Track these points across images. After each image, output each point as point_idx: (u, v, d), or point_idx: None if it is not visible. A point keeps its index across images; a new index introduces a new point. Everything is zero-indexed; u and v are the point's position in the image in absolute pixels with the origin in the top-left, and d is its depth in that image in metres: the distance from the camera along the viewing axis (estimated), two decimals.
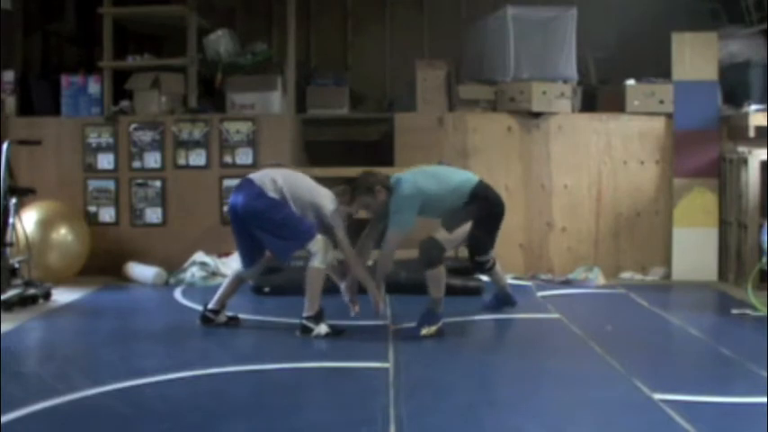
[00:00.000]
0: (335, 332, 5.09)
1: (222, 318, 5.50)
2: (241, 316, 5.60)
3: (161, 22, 8.06)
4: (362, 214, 5.58)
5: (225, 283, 5.56)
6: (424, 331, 5.12)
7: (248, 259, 5.42)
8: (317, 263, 5.08)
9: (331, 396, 4.07)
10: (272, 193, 5.14)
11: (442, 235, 5.17)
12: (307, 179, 5.42)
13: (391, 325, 5.39)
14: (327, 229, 5.23)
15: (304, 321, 5.09)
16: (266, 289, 6.38)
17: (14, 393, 3.95)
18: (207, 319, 5.47)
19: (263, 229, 5.17)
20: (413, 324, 5.23)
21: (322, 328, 5.07)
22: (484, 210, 5.33)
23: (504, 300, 5.94)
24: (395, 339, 5.06)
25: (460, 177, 5.42)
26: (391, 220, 5.21)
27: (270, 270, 5.80)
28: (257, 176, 5.28)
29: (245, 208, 5.16)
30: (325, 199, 5.23)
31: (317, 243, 5.10)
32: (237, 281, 5.51)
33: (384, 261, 5.30)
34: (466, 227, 5.24)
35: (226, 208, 7.30)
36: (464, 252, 7.06)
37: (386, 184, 5.25)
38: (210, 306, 5.48)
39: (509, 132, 7.48)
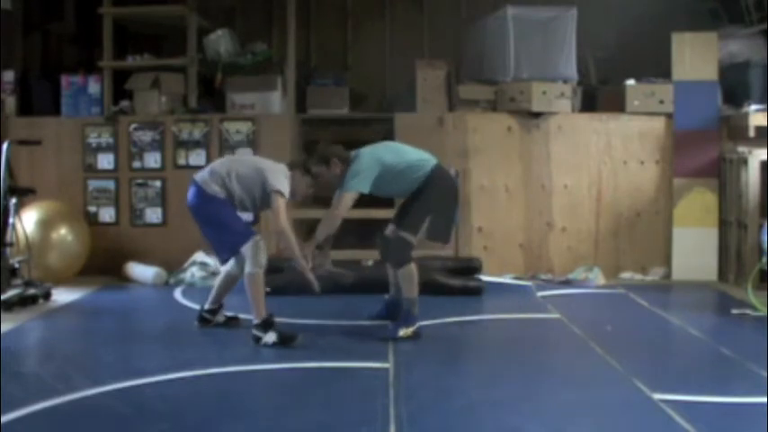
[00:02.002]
0: (284, 339, 4.93)
1: (221, 318, 5.50)
2: (241, 316, 5.60)
3: (161, 22, 8.07)
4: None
5: (217, 281, 5.54)
6: (402, 333, 5.07)
7: (217, 256, 5.42)
8: (249, 268, 5.01)
9: (331, 396, 4.07)
10: (214, 188, 5.09)
11: (408, 235, 5.14)
12: (255, 158, 5.40)
13: (391, 324, 5.37)
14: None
15: (253, 330, 5.00)
16: (267, 289, 6.35)
17: (14, 393, 3.95)
18: (204, 320, 5.47)
19: (204, 229, 5.26)
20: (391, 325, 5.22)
21: (270, 337, 4.93)
22: (439, 195, 5.24)
23: (394, 310, 5.41)
24: (395, 339, 5.05)
25: (419, 155, 5.34)
26: (346, 183, 5.14)
27: (270, 270, 5.79)
28: (198, 175, 5.27)
29: (189, 209, 5.25)
30: (272, 174, 5.10)
31: (248, 248, 5.02)
32: (229, 278, 5.47)
33: (328, 223, 5.20)
34: (427, 221, 5.17)
35: None
36: (464, 252, 7.10)
37: (342, 156, 5.22)
38: (207, 306, 5.48)
39: (509, 132, 7.48)
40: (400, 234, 5.19)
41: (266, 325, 4.98)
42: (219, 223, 5.14)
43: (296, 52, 7.88)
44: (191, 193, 5.23)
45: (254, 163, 5.29)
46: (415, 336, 5.11)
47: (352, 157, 5.23)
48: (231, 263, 5.38)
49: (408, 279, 5.16)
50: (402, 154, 5.32)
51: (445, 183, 5.36)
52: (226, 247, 5.21)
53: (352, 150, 5.33)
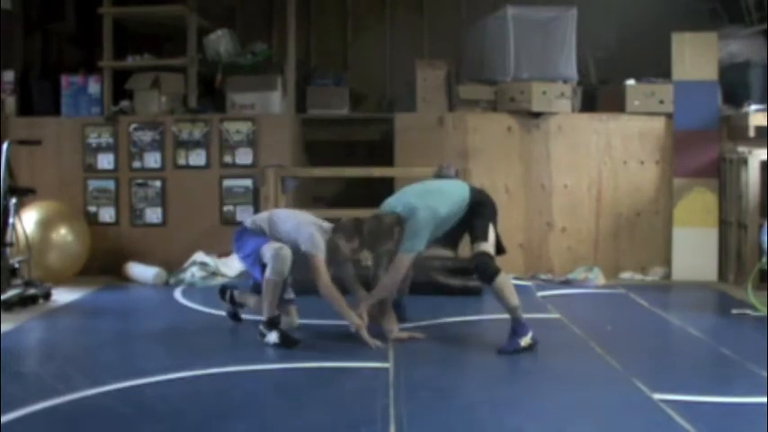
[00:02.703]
0: (286, 342, 4.91)
1: (231, 309, 5.55)
2: (244, 316, 5.60)
3: (161, 22, 8.06)
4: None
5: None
6: (523, 343, 4.81)
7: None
8: (268, 273, 4.97)
9: (331, 396, 4.07)
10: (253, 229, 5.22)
11: (484, 246, 4.94)
12: (296, 215, 5.32)
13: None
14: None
15: (260, 326, 5.02)
16: None
17: (14, 393, 3.95)
18: (235, 316, 5.57)
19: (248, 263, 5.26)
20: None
21: (272, 336, 4.94)
22: (488, 210, 5.16)
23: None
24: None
25: (457, 192, 5.16)
26: (404, 245, 4.88)
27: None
28: (248, 220, 5.36)
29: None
30: (304, 238, 5.01)
31: (268, 250, 5.00)
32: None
33: (388, 285, 4.98)
34: (491, 229, 5.03)
35: (226, 208, 7.39)
36: (464, 252, 7.09)
37: (401, 222, 4.91)
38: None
39: (509, 132, 7.48)
40: (478, 247, 4.93)
41: (271, 324, 4.99)
42: (249, 244, 5.18)
43: (296, 52, 7.88)
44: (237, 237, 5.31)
45: (295, 222, 5.18)
46: (534, 343, 4.84)
47: (406, 213, 4.91)
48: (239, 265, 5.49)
49: (505, 290, 4.88)
50: (447, 197, 5.06)
51: (487, 199, 5.24)
52: (251, 260, 5.18)
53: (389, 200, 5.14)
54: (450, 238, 5.19)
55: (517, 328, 4.89)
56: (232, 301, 5.55)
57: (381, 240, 4.94)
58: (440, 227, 5.01)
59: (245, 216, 5.51)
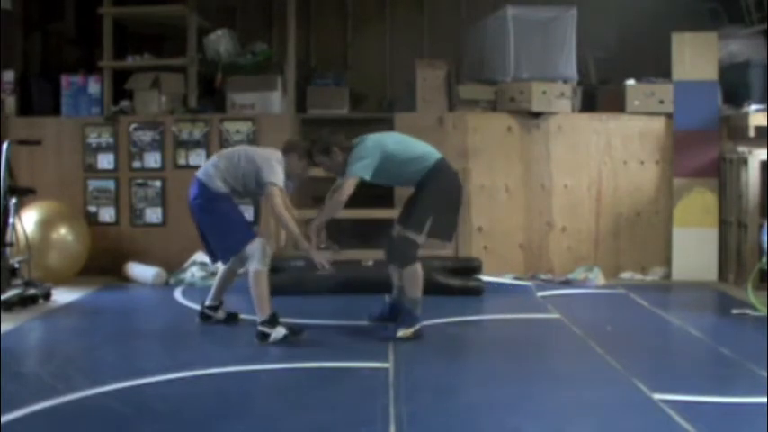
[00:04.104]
0: (294, 332, 4.97)
1: (221, 314, 5.53)
2: (241, 316, 5.60)
3: (161, 22, 8.07)
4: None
5: (217, 277, 5.61)
6: (401, 333, 5.06)
7: (211, 253, 5.42)
8: (255, 265, 5.01)
9: (331, 396, 4.07)
10: (217, 183, 5.12)
11: (413, 234, 5.11)
12: (249, 149, 5.40)
13: (392, 325, 5.37)
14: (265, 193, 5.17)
15: (259, 328, 4.99)
16: None
17: (14, 393, 3.95)
18: (206, 317, 5.51)
19: (204, 230, 5.27)
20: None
21: (279, 331, 4.94)
22: (441, 191, 5.20)
23: (395, 311, 5.36)
24: (395, 339, 5.05)
25: (424, 149, 5.31)
26: (349, 168, 5.10)
27: (270, 270, 5.79)
28: (201, 170, 5.28)
29: (190, 208, 5.27)
30: (265, 165, 5.12)
31: (254, 245, 5.04)
32: (229, 274, 5.52)
33: (333, 207, 5.21)
34: (430, 219, 5.12)
35: None
36: (464, 252, 7.10)
37: (343, 144, 5.19)
38: (207, 303, 5.53)
39: (509, 132, 7.48)
40: (405, 233, 5.16)
41: (273, 321, 4.98)
42: (224, 222, 5.15)
43: (296, 52, 7.88)
44: (193, 190, 5.24)
45: (249, 155, 5.24)
46: (416, 336, 5.10)
47: (356, 143, 5.20)
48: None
49: (412, 279, 5.13)
50: (407, 145, 5.29)
51: (448, 179, 5.30)
52: (228, 248, 5.21)
53: (356, 138, 5.30)
54: (405, 207, 5.33)
55: (406, 318, 5.10)
56: (212, 309, 5.52)
57: (319, 153, 5.20)
58: (389, 170, 5.16)
59: (204, 165, 5.37)
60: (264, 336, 4.96)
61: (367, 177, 5.10)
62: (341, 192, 5.11)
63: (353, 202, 5.23)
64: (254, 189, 5.22)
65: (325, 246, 5.29)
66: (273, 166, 5.12)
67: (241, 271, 5.63)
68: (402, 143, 5.30)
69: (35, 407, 3.77)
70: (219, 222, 5.17)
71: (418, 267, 5.14)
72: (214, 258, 5.48)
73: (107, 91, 7.56)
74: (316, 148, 5.24)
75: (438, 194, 5.20)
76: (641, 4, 8.31)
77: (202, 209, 5.21)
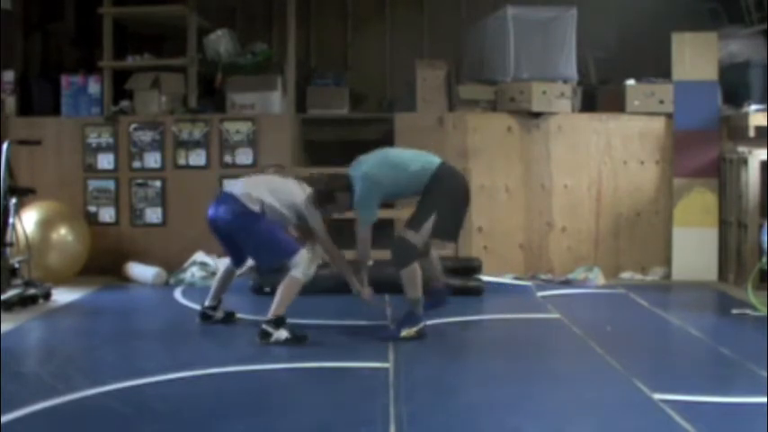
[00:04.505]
0: (296, 339, 4.95)
1: (219, 314, 5.54)
2: (241, 316, 5.61)
3: (161, 22, 8.06)
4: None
5: (217, 277, 5.63)
6: (404, 333, 5.07)
7: (237, 259, 5.49)
8: (297, 273, 5.03)
9: (331, 396, 4.07)
10: (252, 206, 5.15)
11: (410, 235, 5.11)
12: (280, 181, 5.46)
13: (392, 325, 5.38)
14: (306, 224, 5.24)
15: (264, 326, 4.98)
16: (266, 289, 6.37)
17: (14, 393, 3.95)
18: (206, 316, 5.52)
19: (245, 244, 5.26)
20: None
21: (282, 334, 4.93)
22: (444, 192, 5.19)
23: (433, 297, 5.45)
24: (397, 339, 5.04)
25: (422, 162, 5.25)
26: (357, 217, 5.22)
27: (270, 270, 5.80)
28: (237, 191, 5.28)
29: (227, 224, 5.22)
30: (297, 192, 5.25)
31: (301, 256, 5.06)
32: (229, 275, 5.54)
33: (363, 249, 5.27)
34: (432, 219, 5.11)
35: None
36: (464, 252, 7.10)
37: (343, 187, 5.19)
38: (207, 303, 5.54)
39: (509, 132, 7.48)
40: (402, 234, 5.18)
41: (279, 322, 4.97)
42: (265, 238, 5.15)
43: (296, 52, 7.87)
44: (226, 210, 5.20)
45: (291, 198, 5.27)
46: (419, 336, 5.10)
47: (355, 180, 5.17)
48: (229, 259, 5.49)
49: (411, 279, 5.12)
50: (404, 165, 5.23)
51: (451, 181, 5.28)
52: (272, 260, 5.22)
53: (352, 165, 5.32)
54: (416, 216, 5.25)
55: (408, 318, 5.12)
56: (212, 309, 5.53)
57: (325, 201, 5.21)
58: (393, 191, 5.24)
59: (236, 185, 5.39)
60: (266, 334, 4.95)
61: (375, 219, 5.18)
62: (361, 238, 5.21)
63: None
64: (285, 220, 5.28)
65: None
66: (312, 209, 5.20)
67: (239, 272, 5.65)
68: (398, 165, 5.24)
69: (35, 407, 3.77)
70: (265, 235, 5.15)
71: (416, 267, 5.14)
72: (238, 263, 5.52)
73: (107, 91, 7.56)
74: (321, 198, 5.22)
75: (441, 196, 5.18)
76: (641, 4, 8.30)
77: (241, 224, 5.18)
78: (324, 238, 5.22)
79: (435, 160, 5.30)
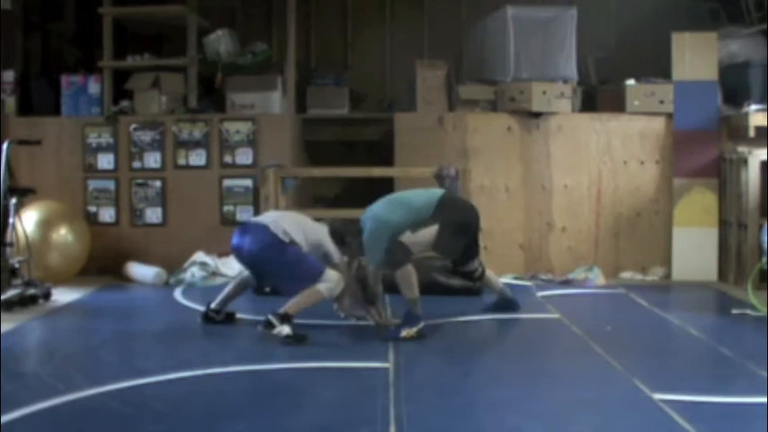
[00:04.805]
0: (296, 337, 4.96)
1: (221, 316, 5.53)
2: (241, 316, 5.61)
3: (161, 22, 8.06)
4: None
5: (230, 285, 5.64)
6: (404, 333, 5.09)
7: (259, 282, 5.65)
8: (322, 287, 5.11)
9: (331, 396, 4.07)
10: (285, 237, 5.21)
11: (406, 237, 5.21)
12: (306, 219, 5.58)
13: (393, 327, 5.37)
14: (330, 262, 5.34)
15: (270, 316, 4.99)
16: (267, 289, 6.37)
17: (14, 393, 3.95)
18: (208, 318, 5.52)
19: (274, 275, 5.36)
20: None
21: (284, 329, 4.94)
22: (449, 215, 5.34)
23: (504, 305, 5.90)
24: (398, 340, 5.04)
25: (421, 200, 5.43)
26: (367, 257, 5.37)
27: None
28: (268, 221, 5.34)
29: (256, 255, 5.26)
30: (322, 232, 5.40)
31: (332, 276, 5.16)
32: (243, 285, 5.57)
33: (374, 293, 5.44)
34: (432, 229, 5.23)
35: (226, 208, 7.38)
36: None
37: (355, 233, 5.38)
38: (214, 306, 5.54)
39: (509, 132, 7.48)
40: (398, 238, 5.23)
41: (285, 318, 4.99)
42: (294, 265, 5.20)
43: (296, 52, 7.88)
44: (259, 239, 5.23)
45: (317, 233, 5.38)
46: (419, 335, 5.12)
47: (362, 223, 5.37)
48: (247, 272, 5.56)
49: (406, 280, 5.18)
50: (408, 202, 5.43)
51: (456, 207, 5.53)
52: (302, 285, 5.20)
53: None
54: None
55: (408, 319, 5.17)
56: (217, 312, 5.55)
57: (344, 247, 5.42)
58: (401, 230, 5.30)
59: (265, 217, 5.55)
60: (270, 325, 4.97)
61: (382, 260, 5.28)
62: (373, 282, 5.38)
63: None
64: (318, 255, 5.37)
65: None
66: (334, 246, 5.35)
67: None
68: (403, 202, 5.45)
69: (35, 407, 3.77)
70: (296, 263, 5.20)
71: (409, 268, 5.19)
72: (259, 288, 5.81)
73: (107, 91, 7.56)
74: (337, 242, 5.39)
75: (445, 215, 5.33)
76: (641, 4, 8.31)
77: (275, 255, 5.22)
78: (346, 274, 5.34)
79: (437, 192, 5.57)
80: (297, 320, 5.21)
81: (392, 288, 5.49)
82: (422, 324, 5.16)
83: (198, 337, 5.36)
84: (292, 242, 5.21)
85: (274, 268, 5.26)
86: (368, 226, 5.33)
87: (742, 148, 7.06)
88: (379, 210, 5.42)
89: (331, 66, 8.85)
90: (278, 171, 7.13)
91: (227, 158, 7.46)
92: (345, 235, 5.41)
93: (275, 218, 5.44)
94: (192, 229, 7.39)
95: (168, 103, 7.62)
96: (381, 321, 5.43)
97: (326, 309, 5.61)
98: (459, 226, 5.43)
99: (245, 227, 5.45)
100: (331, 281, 5.15)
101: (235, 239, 5.35)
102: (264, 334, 4.97)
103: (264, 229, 5.24)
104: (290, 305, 5.04)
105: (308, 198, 8.12)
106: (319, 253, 5.33)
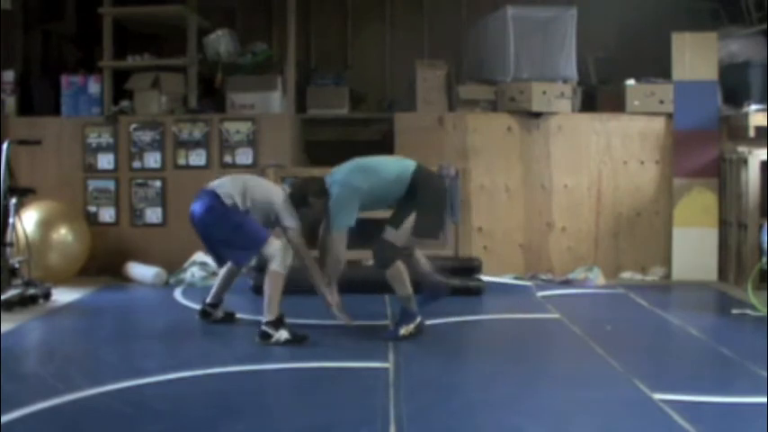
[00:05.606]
0: (296, 339, 4.95)
1: (219, 313, 5.55)
2: (241, 316, 5.61)
3: (161, 22, 8.06)
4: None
5: (219, 277, 5.63)
6: (403, 331, 5.09)
7: (218, 259, 5.48)
8: (275, 266, 5.01)
9: (331, 396, 4.07)
10: (227, 200, 5.14)
11: (390, 234, 5.13)
12: (260, 180, 5.50)
13: (392, 325, 5.38)
14: (282, 225, 5.22)
15: (263, 327, 4.97)
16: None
17: (14, 393, 3.95)
18: (205, 314, 5.53)
19: (217, 239, 5.23)
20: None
21: (282, 334, 4.93)
22: (425, 195, 5.20)
23: (432, 290, 5.47)
24: (397, 339, 5.05)
25: (397, 169, 5.25)
26: (332, 224, 5.14)
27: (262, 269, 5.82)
28: (215, 185, 5.28)
29: (200, 219, 5.21)
30: (276, 194, 5.27)
31: (272, 246, 5.05)
32: (231, 274, 5.55)
33: (334, 264, 5.21)
34: (411, 218, 5.13)
35: None
36: (464, 252, 7.09)
37: (317, 192, 5.20)
38: (209, 300, 5.57)
39: (509, 132, 7.48)
40: (383, 236, 5.16)
41: (278, 323, 4.97)
42: (235, 231, 5.13)
43: (296, 52, 7.88)
44: (204, 203, 5.18)
45: (268, 196, 5.27)
46: (418, 331, 5.12)
47: (331, 188, 5.17)
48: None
49: (397, 279, 5.14)
50: (378, 173, 5.23)
51: (428, 182, 5.30)
52: (245, 252, 5.20)
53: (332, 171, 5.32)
54: (396, 215, 5.26)
55: (403, 317, 5.14)
56: (213, 307, 5.56)
57: (300, 205, 5.23)
58: (372, 201, 5.18)
59: (217, 181, 5.39)
60: (266, 336, 4.96)
61: (352, 224, 5.12)
62: (335, 251, 5.14)
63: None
64: (268, 221, 5.26)
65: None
66: (290, 209, 5.20)
67: (243, 271, 5.66)
68: (371, 170, 5.24)
69: (35, 407, 3.77)
70: (234, 226, 5.13)
71: (399, 266, 5.14)
72: (221, 263, 5.51)
73: (107, 91, 7.56)
74: (296, 203, 5.24)
75: (420, 197, 5.20)
76: (641, 4, 8.31)
77: (214, 218, 5.16)
78: (297, 240, 5.18)
79: (410, 165, 5.28)
80: (296, 321, 5.23)
81: (387, 288, 5.46)
82: (419, 319, 5.16)
83: (198, 336, 5.36)
84: (235, 205, 5.12)
85: (216, 234, 5.19)
86: (335, 191, 5.14)
87: (742, 148, 7.07)
88: (346, 176, 5.19)
89: (331, 66, 8.85)
90: (278, 171, 7.13)
91: (228, 158, 7.46)
92: (308, 194, 5.21)
93: (224, 181, 5.34)
94: (192, 230, 7.35)
95: (168, 103, 7.62)
96: (332, 302, 5.25)
97: (327, 309, 5.61)
98: (436, 200, 5.32)
99: (199, 193, 5.34)
100: (277, 253, 5.02)
101: (191, 206, 5.29)
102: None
103: (211, 192, 5.19)
104: (268, 307, 5.00)
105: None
106: (271, 216, 5.20)
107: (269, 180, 5.65)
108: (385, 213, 5.48)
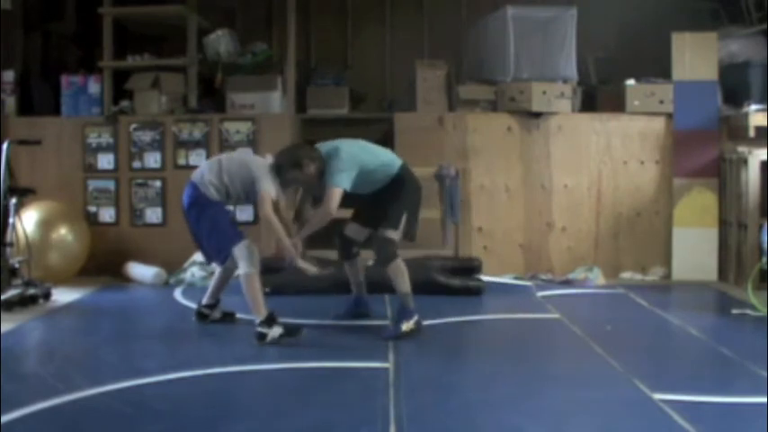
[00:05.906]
0: (290, 332, 4.98)
1: (217, 314, 5.54)
2: (241, 316, 5.60)
3: (161, 22, 8.06)
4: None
5: (214, 277, 5.63)
6: (404, 328, 5.10)
7: (206, 255, 5.50)
8: (244, 268, 5.05)
9: (331, 396, 4.06)
10: (210, 190, 5.15)
11: (391, 233, 5.17)
12: (239, 152, 5.51)
13: (391, 324, 5.37)
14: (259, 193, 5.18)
15: (257, 329, 4.99)
16: (266, 289, 6.35)
17: (14, 393, 3.95)
18: (202, 316, 5.53)
19: (198, 234, 5.29)
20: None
21: (275, 331, 4.94)
22: (410, 194, 5.29)
23: (361, 306, 5.65)
24: (396, 338, 5.05)
25: (388, 156, 5.39)
26: (331, 179, 5.08)
27: (269, 270, 5.80)
28: (196, 174, 5.30)
29: (186, 214, 5.29)
30: (254, 161, 5.29)
31: (240, 249, 5.07)
32: (226, 273, 5.54)
33: (319, 219, 5.18)
34: (404, 218, 5.20)
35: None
36: (464, 252, 7.09)
37: (312, 156, 5.16)
38: (205, 301, 5.56)
39: (509, 132, 7.48)
40: (383, 233, 5.19)
41: (270, 321, 4.98)
42: (212, 226, 5.18)
43: (296, 52, 7.88)
44: (188, 193, 5.27)
45: (244, 162, 5.32)
46: (417, 328, 5.13)
47: (329, 153, 5.17)
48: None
49: (398, 274, 5.18)
50: (374, 154, 5.33)
51: (413, 182, 5.38)
52: (220, 251, 5.23)
53: (318, 144, 5.32)
54: (369, 207, 5.34)
55: (402, 313, 5.15)
56: (209, 308, 5.56)
57: (290, 168, 5.16)
58: (362, 180, 5.18)
59: (199, 169, 5.39)
60: (262, 336, 4.97)
61: (348, 188, 5.13)
62: (328, 203, 5.09)
63: (352, 202, 5.23)
64: (247, 195, 5.26)
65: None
66: (267, 174, 5.18)
67: (238, 272, 5.65)
68: (370, 152, 5.32)
69: (35, 407, 3.77)
70: (209, 226, 5.20)
71: (400, 262, 5.19)
72: (209, 259, 5.56)
73: (107, 91, 7.56)
74: (287, 165, 5.20)
75: (408, 196, 5.28)
76: (641, 4, 8.30)
77: (195, 213, 5.23)
78: (267, 208, 5.08)
79: (398, 160, 5.38)
80: (296, 321, 5.23)
81: (387, 288, 5.48)
82: (417, 316, 5.16)
83: (198, 337, 5.36)
84: (214, 193, 5.14)
85: (197, 229, 5.25)
86: (342, 155, 5.11)
87: (742, 148, 7.07)
88: (350, 146, 5.24)
89: (331, 66, 8.85)
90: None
91: None
92: (303, 157, 5.14)
93: (203, 168, 5.34)
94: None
95: (168, 103, 7.62)
96: (295, 254, 5.12)
97: (326, 309, 5.63)
98: (417, 200, 5.38)
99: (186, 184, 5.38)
100: (244, 256, 5.04)
101: (184, 197, 5.33)
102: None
103: (193, 185, 5.24)
104: (255, 309, 5.03)
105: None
106: (254, 186, 5.16)
107: (235, 155, 5.69)
108: (346, 213, 5.51)
